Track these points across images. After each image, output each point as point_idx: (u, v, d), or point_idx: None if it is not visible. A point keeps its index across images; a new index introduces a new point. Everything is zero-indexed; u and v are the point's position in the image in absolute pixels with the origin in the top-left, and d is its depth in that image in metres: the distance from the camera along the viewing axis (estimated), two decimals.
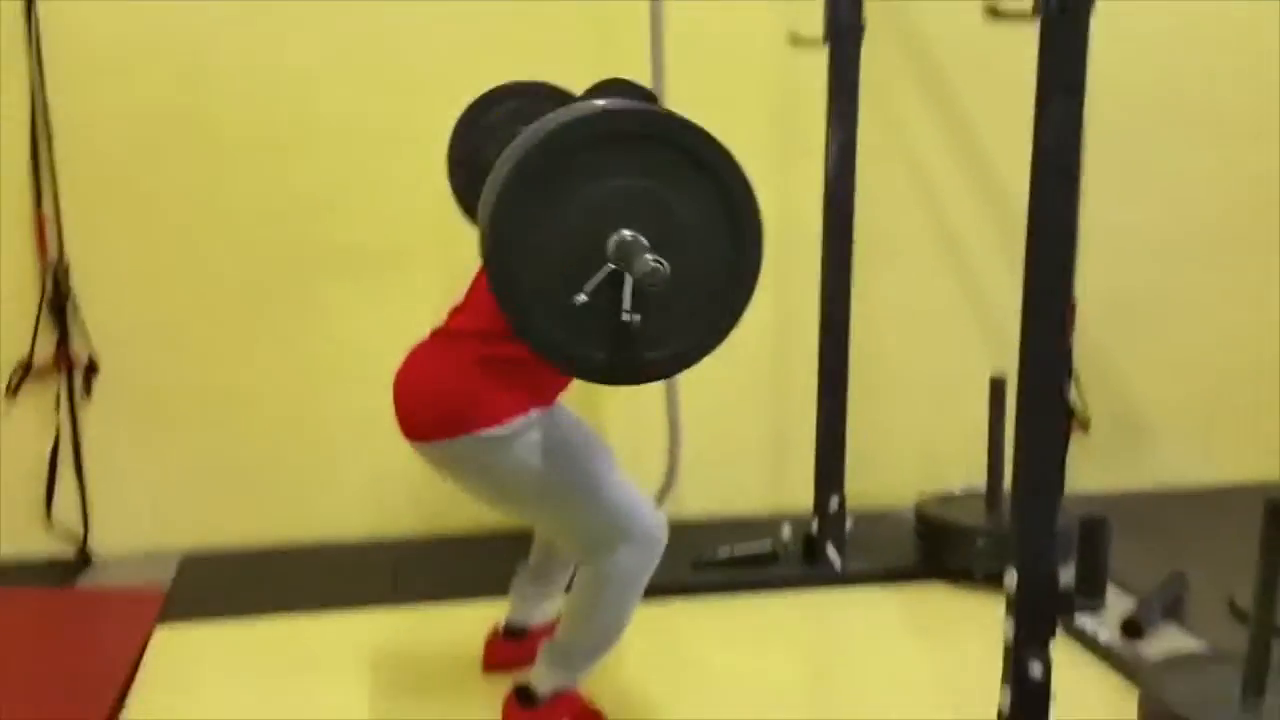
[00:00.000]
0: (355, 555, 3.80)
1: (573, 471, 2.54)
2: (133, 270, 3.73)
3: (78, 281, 3.67)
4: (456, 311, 2.71)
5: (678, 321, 1.96)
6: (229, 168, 3.72)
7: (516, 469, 2.50)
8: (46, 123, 3.60)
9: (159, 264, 3.74)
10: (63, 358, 3.70)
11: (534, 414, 2.49)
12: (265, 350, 3.83)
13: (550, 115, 2.06)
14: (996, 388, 3.44)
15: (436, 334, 2.68)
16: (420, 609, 3.38)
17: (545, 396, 2.52)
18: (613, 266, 1.91)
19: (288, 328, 3.84)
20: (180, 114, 3.67)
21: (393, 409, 2.61)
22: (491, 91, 3.01)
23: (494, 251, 1.93)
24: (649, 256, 1.83)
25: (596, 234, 1.91)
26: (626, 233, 1.91)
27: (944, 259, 4.22)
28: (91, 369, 3.72)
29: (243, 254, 3.77)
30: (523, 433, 2.48)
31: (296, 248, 3.79)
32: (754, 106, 3.95)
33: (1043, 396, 2.38)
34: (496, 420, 2.46)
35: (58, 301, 3.66)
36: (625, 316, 1.90)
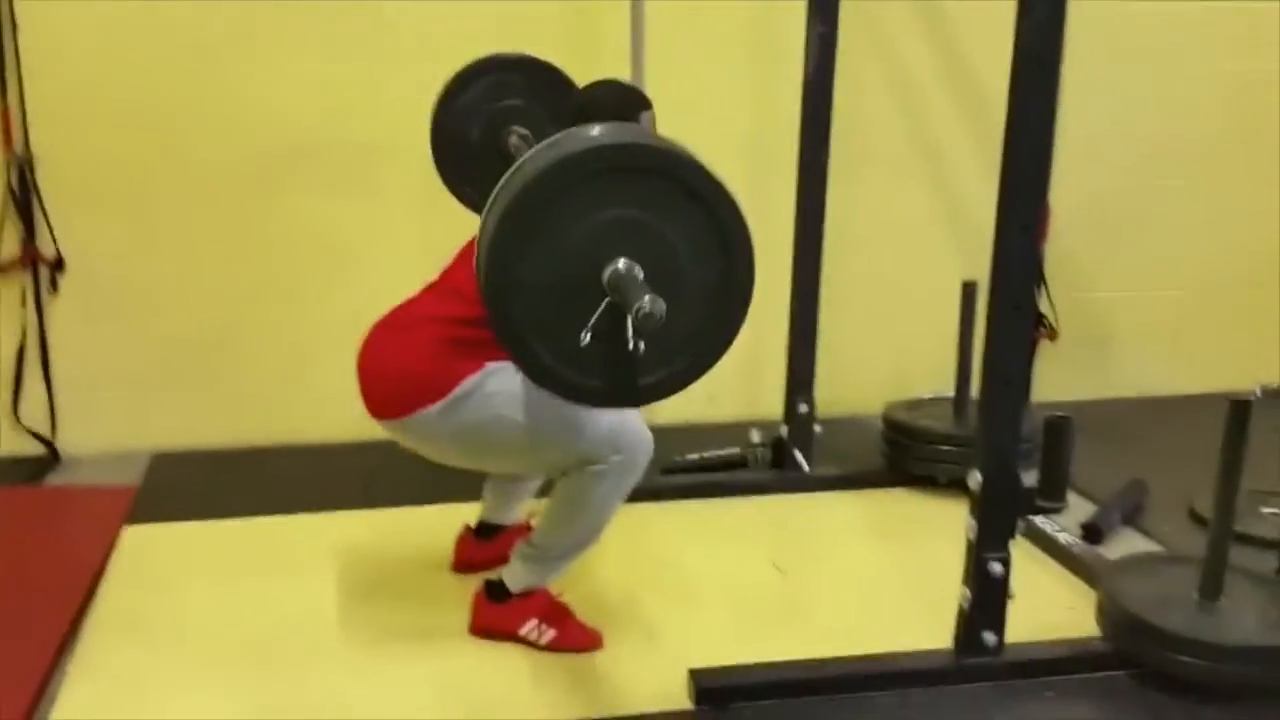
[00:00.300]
0: (327, 457, 3.81)
1: (551, 412, 2.51)
2: (101, 165, 3.67)
3: (44, 176, 3.61)
4: (429, 290, 2.72)
5: (673, 346, 2.00)
6: (202, 61, 3.65)
7: (483, 424, 2.52)
8: (11, 11, 3.51)
9: (128, 158, 3.67)
10: (29, 254, 3.65)
11: (489, 366, 2.50)
12: (238, 249, 3.80)
13: (541, 149, 2.07)
14: (968, 291, 3.44)
15: (405, 312, 2.68)
16: (391, 511, 3.39)
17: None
18: (610, 299, 1.94)
19: (262, 227, 3.80)
20: (150, 4, 3.57)
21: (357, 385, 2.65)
22: (467, 68, 3.02)
23: (492, 295, 1.97)
24: (646, 297, 1.86)
25: (592, 266, 1.94)
26: (621, 263, 1.93)
27: (921, 167, 4.21)
28: (58, 265, 3.68)
29: (216, 150, 3.72)
30: (475, 390, 2.51)
31: (272, 145, 3.74)
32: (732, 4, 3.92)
33: (1013, 293, 2.39)
34: (452, 386, 2.50)
35: (23, 196, 3.60)
36: (630, 345, 1.94)
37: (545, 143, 2.08)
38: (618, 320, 1.93)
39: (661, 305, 1.85)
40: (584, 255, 1.93)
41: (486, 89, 3.01)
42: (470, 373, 2.51)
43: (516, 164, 2.06)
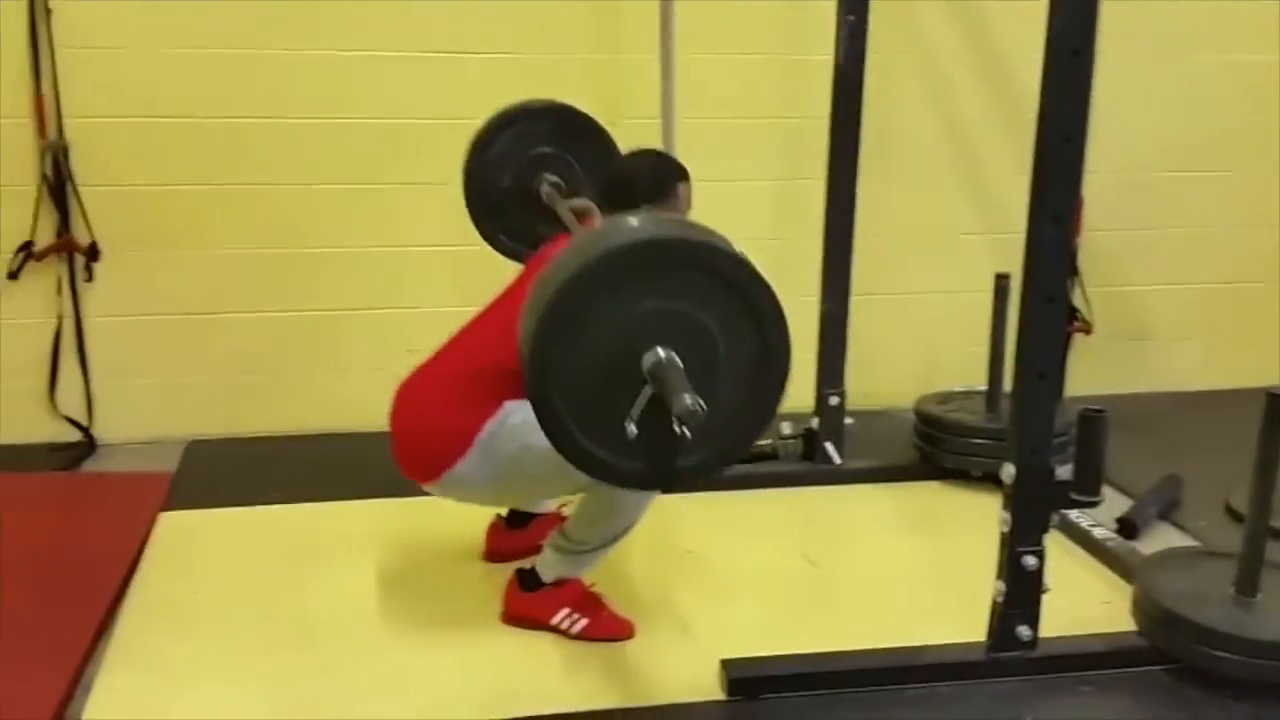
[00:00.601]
0: (360, 445, 3.78)
1: None
2: (134, 152, 3.69)
3: (78, 163, 3.64)
4: (456, 342, 2.74)
5: (713, 428, 2.03)
6: (234, 48, 3.66)
7: (515, 457, 2.54)
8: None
9: (161, 145, 3.69)
10: (64, 242, 3.67)
11: (509, 405, 2.52)
12: (271, 236, 3.81)
13: (582, 242, 2.12)
14: (1001, 284, 3.42)
15: (428, 373, 2.72)
16: (423, 499, 3.39)
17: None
18: (652, 390, 1.99)
19: (297, 214, 3.81)
20: None
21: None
22: (495, 119, 3.07)
23: (535, 385, 2.02)
24: (687, 397, 1.89)
25: (632, 356, 2.00)
26: (661, 351, 1.98)
27: (953, 160, 4.18)
28: (93, 253, 3.70)
29: (247, 138, 3.74)
30: (500, 428, 2.54)
31: (301, 133, 3.76)
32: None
33: (1046, 285, 2.37)
34: (475, 432, 2.54)
35: (58, 184, 3.62)
36: (677, 430, 1.98)
37: (586, 235, 2.15)
38: (658, 407, 1.97)
39: (704, 408, 1.89)
40: (624, 345, 1.99)
41: (515, 138, 3.07)
42: (490, 414, 2.55)
43: (561, 256, 2.09)
